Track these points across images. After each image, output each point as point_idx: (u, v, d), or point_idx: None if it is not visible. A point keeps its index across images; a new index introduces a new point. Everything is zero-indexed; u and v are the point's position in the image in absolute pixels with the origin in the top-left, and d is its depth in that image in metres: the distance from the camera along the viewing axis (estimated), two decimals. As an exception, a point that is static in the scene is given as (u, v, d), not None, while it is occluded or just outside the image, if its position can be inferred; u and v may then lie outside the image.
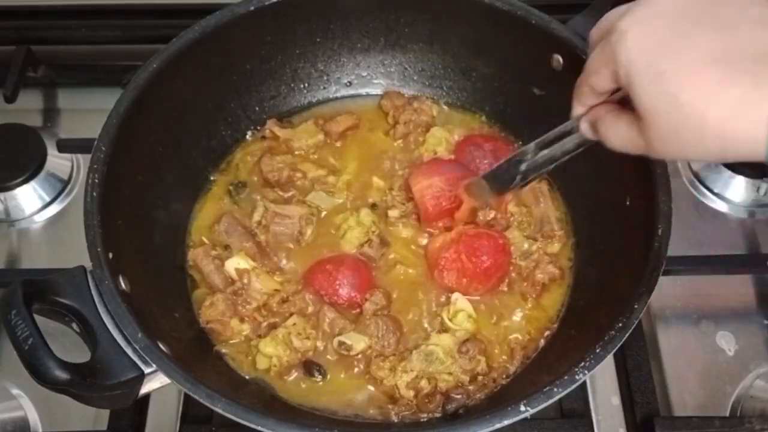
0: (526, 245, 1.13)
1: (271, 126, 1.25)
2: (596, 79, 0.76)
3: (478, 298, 1.10)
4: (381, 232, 1.15)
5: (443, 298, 1.10)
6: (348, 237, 1.14)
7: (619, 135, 0.76)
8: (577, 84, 0.82)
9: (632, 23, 0.70)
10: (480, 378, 1.03)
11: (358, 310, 1.08)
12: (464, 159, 1.21)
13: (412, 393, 1.01)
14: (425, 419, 1.01)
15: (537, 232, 1.15)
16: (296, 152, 1.24)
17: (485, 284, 1.10)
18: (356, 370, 1.05)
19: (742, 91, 0.63)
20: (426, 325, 1.09)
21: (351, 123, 1.26)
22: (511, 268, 1.12)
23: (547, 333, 1.09)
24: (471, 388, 1.03)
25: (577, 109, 0.84)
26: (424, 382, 1.02)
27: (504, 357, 1.06)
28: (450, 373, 1.03)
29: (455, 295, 1.09)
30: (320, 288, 1.09)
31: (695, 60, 0.65)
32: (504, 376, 1.05)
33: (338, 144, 1.26)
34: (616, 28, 0.71)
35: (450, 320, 1.07)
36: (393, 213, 1.16)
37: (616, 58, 0.70)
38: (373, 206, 1.18)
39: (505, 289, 1.12)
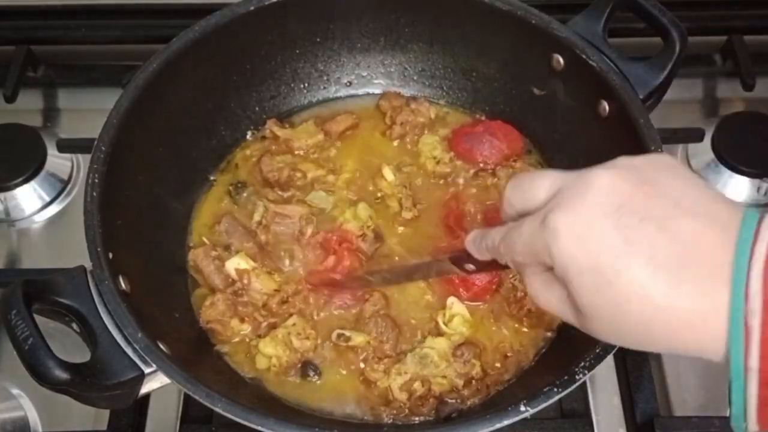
0: None
1: (271, 126, 1.25)
2: (520, 259, 0.71)
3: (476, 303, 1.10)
4: (376, 227, 1.15)
5: (438, 299, 1.09)
6: (343, 230, 1.13)
7: (549, 303, 0.71)
8: (484, 240, 0.76)
9: (566, 219, 0.63)
10: (474, 383, 1.03)
11: (358, 309, 1.08)
12: (464, 152, 1.21)
13: (405, 395, 1.01)
14: (418, 422, 1.00)
15: None
16: (296, 152, 1.23)
17: (482, 297, 1.09)
18: (352, 369, 1.04)
19: (693, 302, 0.59)
20: (421, 328, 1.08)
21: (351, 123, 1.26)
22: (510, 287, 1.10)
23: (546, 336, 1.08)
24: (465, 392, 1.02)
25: (482, 255, 0.78)
26: (417, 384, 1.01)
27: (498, 365, 1.05)
28: (444, 377, 1.02)
29: (450, 300, 1.08)
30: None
31: (640, 266, 0.60)
32: (499, 382, 1.04)
33: (338, 144, 1.26)
34: (548, 222, 0.64)
35: (445, 324, 1.06)
36: (407, 215, 1.15)
37: (550, 254, 0.64)
38: (379, 200, 1.18)
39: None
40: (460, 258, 0.85)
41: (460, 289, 1.09)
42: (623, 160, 0.67)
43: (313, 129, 1.25)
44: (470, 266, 0.84)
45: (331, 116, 1.27)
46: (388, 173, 1.19)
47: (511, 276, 1.10)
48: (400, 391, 1.01)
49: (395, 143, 1.25)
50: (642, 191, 0.63)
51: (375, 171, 1.21)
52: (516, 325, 1.08)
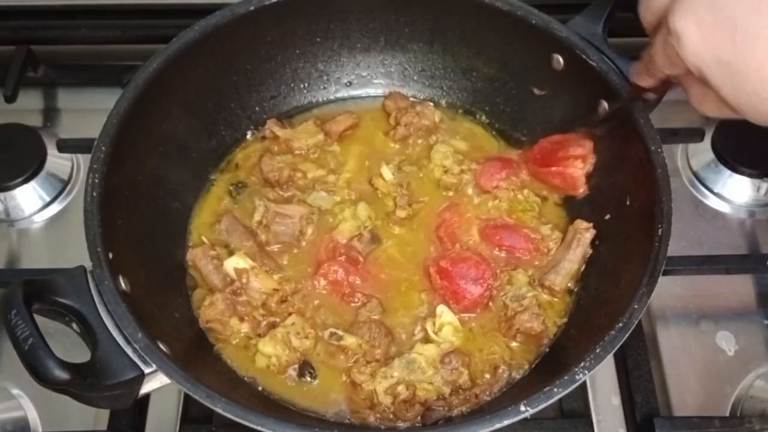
0: (523, 290, 1.09)
1: (271, 126, 1.25)
2: (671, 71, 0.78)
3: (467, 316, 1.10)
4: (374, 228, 1.15)
5: (428, 307, 1.09)
6: (341, 228, 1.14)
7: (709, 106, 0.78)
8: (649, 64, 0.83)
9: (685, 20, 0.69)
10: (462, 392, 1.02)
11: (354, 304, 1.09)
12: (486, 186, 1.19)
13: (389, 399, 1.00)
14: (404, 427, 0.99)
15: (543, 274, 1.11)
16: (296, 152, 1.23)
17: (472, 310, 1.09)
18: (341, 370, 1.04)
19: None
20: (411, 333, 1.08)
21: (351, 122, 1.26)
22: (501, 305, 1.09)
23: (539, 351, 1.07)
24: (453, 400, 1.01)
25: (646, 81, 0.87)
26: (401, 388, 1.00)
27: (488, 376, 1.04)
28: (431, 383, 1.01)
29: (440, 308, 1.08)
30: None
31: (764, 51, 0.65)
32: (488, 393, 1.03)
33: (338, 143, 1.26)
34: (671, 30, 0.70)
35: (435, 333, 1.06)
36: (401, 213, 1.15)
37: (685, 60, 0.71)
38: (378, 198, 1.18)
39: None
40: (637, 92, 0.93)
41: (451, 303, 1.09)
42: None
43: (313, 129, 1.25)
44: (649, 95, 0.92)
45: (331, 116, 1.27)
46: (386, 172, 1.19)
47: (502, 294, 1.09)
48: (385, 395, 1.00)
49: (397, 144, 1.25)
50: None
51: (376, 171, 1.21)
52: (507, 341, 1.07)
